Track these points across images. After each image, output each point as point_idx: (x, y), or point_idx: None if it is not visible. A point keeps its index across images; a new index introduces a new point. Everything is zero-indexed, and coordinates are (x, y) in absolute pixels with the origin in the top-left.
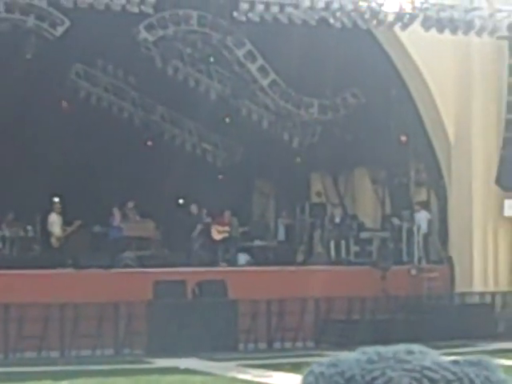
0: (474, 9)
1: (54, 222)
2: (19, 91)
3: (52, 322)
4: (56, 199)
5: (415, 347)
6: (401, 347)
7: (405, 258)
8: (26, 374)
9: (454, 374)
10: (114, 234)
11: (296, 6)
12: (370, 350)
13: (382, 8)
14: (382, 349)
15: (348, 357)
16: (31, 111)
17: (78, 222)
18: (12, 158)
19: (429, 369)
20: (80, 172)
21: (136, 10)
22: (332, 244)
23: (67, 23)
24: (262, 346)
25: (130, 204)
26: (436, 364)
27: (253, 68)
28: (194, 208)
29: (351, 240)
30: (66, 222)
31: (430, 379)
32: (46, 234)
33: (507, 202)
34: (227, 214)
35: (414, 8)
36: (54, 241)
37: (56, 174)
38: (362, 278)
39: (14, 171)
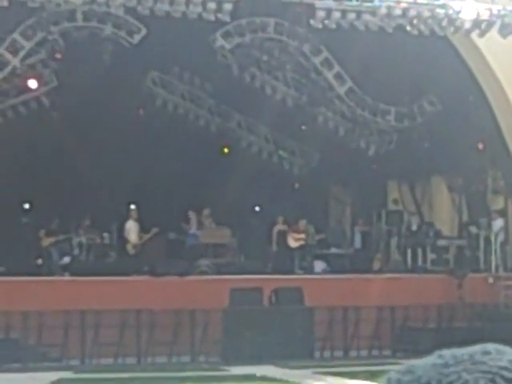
0: None
1: (131, 229)
2: (96, 99)
3: (128, 329)
4: (133, 206)
5: (491, 347)
6: (477, 348)
7: (482, 266)
8: (102, 380)
9: None
10: (190, 241)
11: (373, 13)
12: (447, 354)
13: (460, 15)
14: (458, 351)
15: (424, 362)
16: (108, 118)
17: (155, 230)
18: (89, 165)
19: (505, 369)
20: (156, 179)
21: (212, 17)
22: (409, 252)
23: (144, 31)
24: (338, 353)
25: (206, 211)
26: None
27: (329, 75)
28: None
29: (428, 248)
30: (143, 230)
31: (507, 379)
32: (123, 241)
33: None
34: (303, 221)
35: (491, 15)
36: (130, 248)
37: (133, 182)
38: (438, 285)
39: (91, 178)
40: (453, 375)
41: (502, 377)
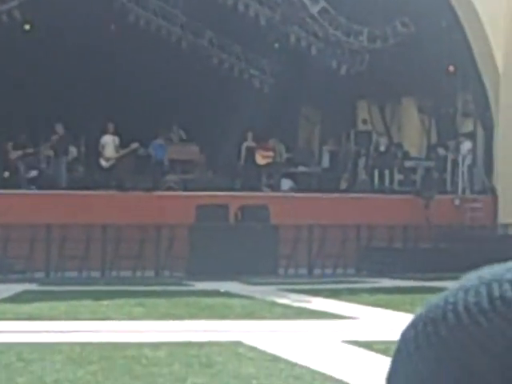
0: None
1: (107, 143)
2: (68, 13)
3: (94, 243)
4: (110, 123)
5: None
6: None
7: (449, 187)
8: (66, 293)
9: None
10: (159, 157)
11: None
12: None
13: None
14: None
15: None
16: (80, 33)
17: (134, 145)
18: (61, 80)
19: None
20: (128, 95)
21: None
22: (376, 172)
23: None
24: (303, 271)
25: (175, 127)
26: None
27: None
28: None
29: (395, 169)
30: (122, 145)
31: None
32: (95, 155)
33: None
34: (272, 139)
35: None
36: (103, 162)
37: (105, 97)
38: (405, 206)
39: (62, 92)
40: None
41: None
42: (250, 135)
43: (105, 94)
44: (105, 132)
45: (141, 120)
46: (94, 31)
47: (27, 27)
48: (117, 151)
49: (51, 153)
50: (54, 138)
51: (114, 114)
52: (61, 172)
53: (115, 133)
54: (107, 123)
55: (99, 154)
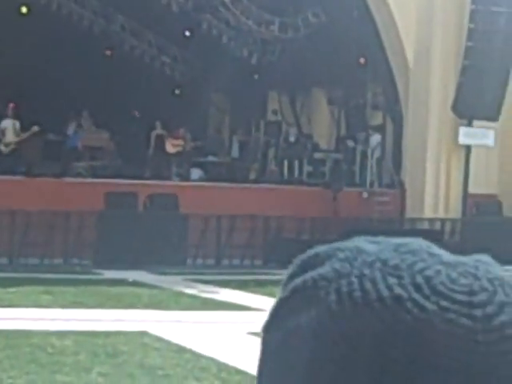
0: None
1: (7, 127)
2: None
3: (1, 229)
4: (11, 105)
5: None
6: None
7: (357, 180)
8: None
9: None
10: (69, 144)
11: None
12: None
13: None
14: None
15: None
16: None
17: (35, 128)
18: None
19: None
20: (38, 79)
21: None
22: (285, 163)
23: None
24: (211, 262)
25: (85, 113)
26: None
27: None
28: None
29: (305, 160)
30: (23, 129)
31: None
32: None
33: (462, 130)
34: (182, 128)
35: None
36: (3, 147)
37: (13, 80)
38: (313, 198)
39: None
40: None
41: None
42: (158, 123)
43: (10, 78)
44: (4, 116)
45: (50, 105)
46: (4, 12)
47: None
48: (17, 135)
49: None
50: None
51: (17, 97)
52: None
53: (16, 117)
54: (7, 106)
55: None
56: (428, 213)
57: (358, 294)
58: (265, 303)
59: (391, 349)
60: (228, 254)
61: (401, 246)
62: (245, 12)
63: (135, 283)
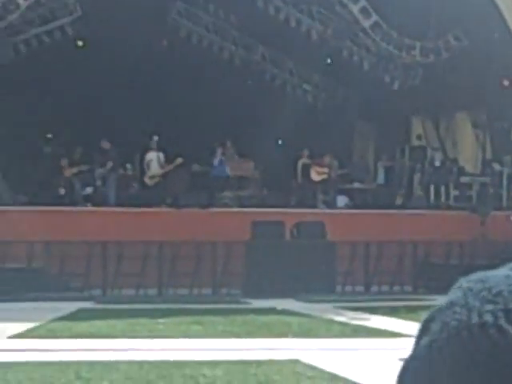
0: None
1: (152, 159)
2: (121, 28)
3: (150, 260)
4: (155, 137)
5: None
6: None
7: (504, 203)
8: (123, 311)
9: None
10: (214, 173)
11: None
12: None
13: None
14: None
15: (497, 273)
16: (132, 48)
17: (179, 160)
18: (113, 95)
19: None
20: (181, 111)
21: None
22: (432, 188)
23: None
24: (360, 289)
25: (228, 143)
26: None
27: (355, 9)
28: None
29: (451, 184)
30: (168, 161)
31: None
32: (144, 172)
33: None
34: (327, 155)
35: None
36: (147, 179)
37: (157, 113)
38: (460, 222)
39: (115, 108)
40: None
41: None
42: (305, 152)
43: (154, 111)
44: (149, 149)
45: (193, 136)
46: (145, 47)
47: (80, 43)
48: (162, 167)
49: (104, 170)
50: (106, 155)
51: (161, 130)
52: (111, 189)
53: (160, 149)
54: (151, 139)
55: (144, 172)
56: None
57: (454, 323)
58: (415, 329)
59: (470, 376)
60: (377, 281)
61: None
62: (385, 38)
63: (284, 312)
